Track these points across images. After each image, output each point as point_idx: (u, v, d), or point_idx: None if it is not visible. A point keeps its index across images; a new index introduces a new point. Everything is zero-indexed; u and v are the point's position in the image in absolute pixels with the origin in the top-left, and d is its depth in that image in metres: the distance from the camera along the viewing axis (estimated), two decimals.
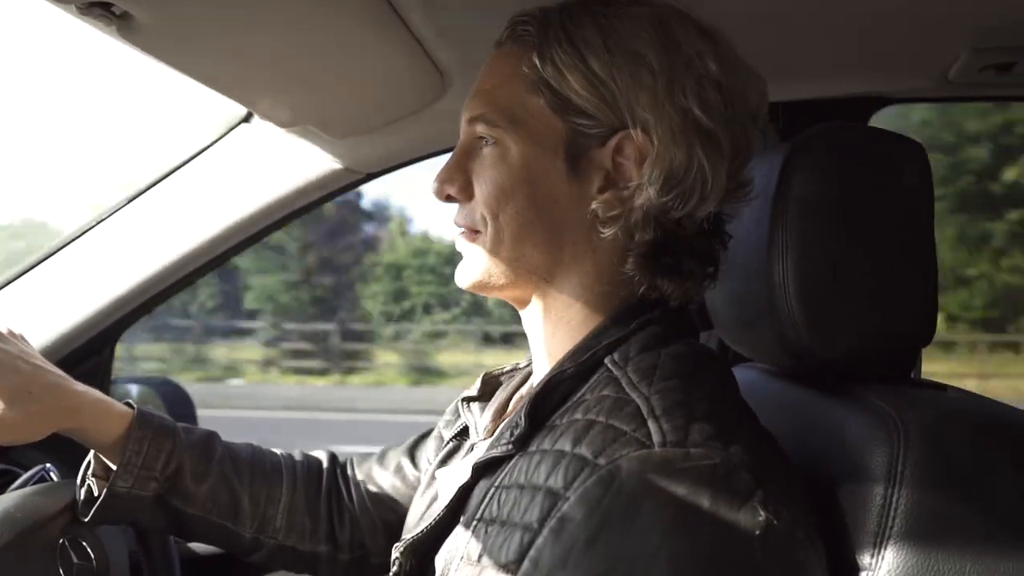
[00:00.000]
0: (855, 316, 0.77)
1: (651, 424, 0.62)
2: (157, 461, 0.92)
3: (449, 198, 0.80)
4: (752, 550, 0.58)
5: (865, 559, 0.65)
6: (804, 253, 0.77)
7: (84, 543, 0.98)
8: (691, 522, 0.58)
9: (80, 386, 0.92)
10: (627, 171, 0.73)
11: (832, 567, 0.65)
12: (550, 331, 0.79)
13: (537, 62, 0.74)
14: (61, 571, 0.92)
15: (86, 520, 0.93)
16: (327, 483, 1.06)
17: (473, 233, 0.79)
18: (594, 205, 0.73)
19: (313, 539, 1.02)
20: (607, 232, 0.73)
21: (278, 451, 1.07)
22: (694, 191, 0.71)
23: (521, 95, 0.75)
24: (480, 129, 0.77)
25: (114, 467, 0.91)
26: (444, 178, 0.79)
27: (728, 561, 0.58)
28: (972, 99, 1.30)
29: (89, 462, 0.95)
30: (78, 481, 0.96)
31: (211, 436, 1.00)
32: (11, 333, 0.93)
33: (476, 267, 0.79)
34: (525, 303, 0.81)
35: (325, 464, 1.08)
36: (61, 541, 0.95)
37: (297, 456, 1.08)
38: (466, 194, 0.78)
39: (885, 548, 0.64)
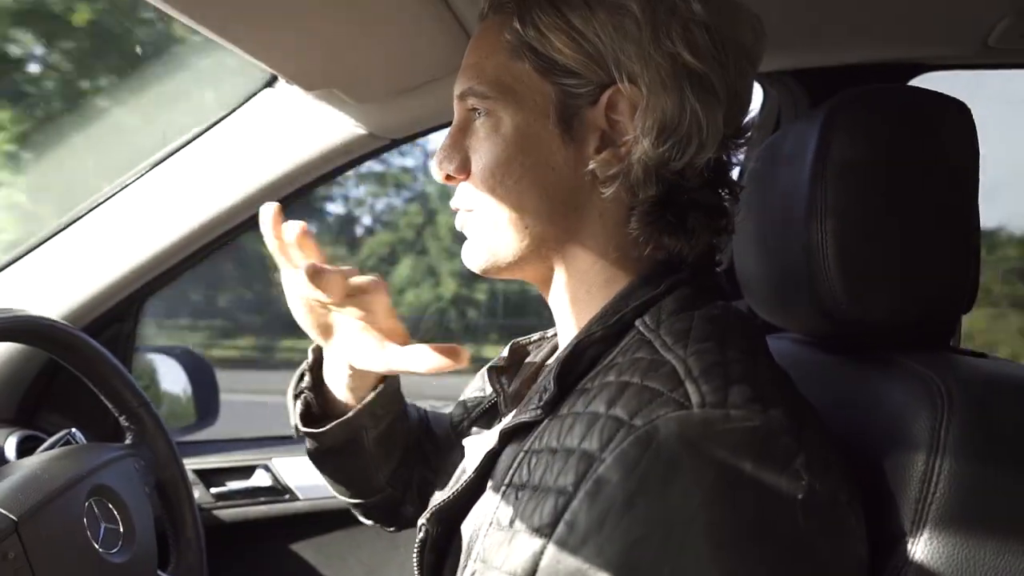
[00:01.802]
0: (895, 280, 0.75)
1: (689, 385, 0.61)
2: (379, 421, 0.89)
3: (449, 178, 0.78)
4: (794, 515, 0.57)
5: (906, 526, 0.63)
6: (844, 216, 0.75)
7: (110, 506, 0.99)
8: (731, 485, 0.57)
9: None
10: (622, 127, 0.71)
11: (872, 535, 0.63)
12: (570, 300, 0.77)
13: (518, 26, 0.72)
14: (88, 533, 0.93)
15: (298, 436, 0.90)
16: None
17: (470, 211, 0.77)
18: (592, 165, 0.72)
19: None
20: (608, 191, 0.72)
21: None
22: (691, 138, 0.70)
23: (506, 63, 0.74)
24: (471, 103, 0.76)
25: (343, 400, 0.88)
26: (442, 156, 0.78)
27: (769, 526, 0.57)
28: (1013, 66, 1.26)
29: (305, 375, 0.91)
30: (292, 389, 0.92)
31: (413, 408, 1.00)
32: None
33: (482, 246, 0.77)
34: (541, 278, 0.79)
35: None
36: (87, 503, 0.95)
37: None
38: (465, 171, 0.77)
39: (927, 516, 0.62)
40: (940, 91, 0.80)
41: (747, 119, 0.76)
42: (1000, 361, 0.76)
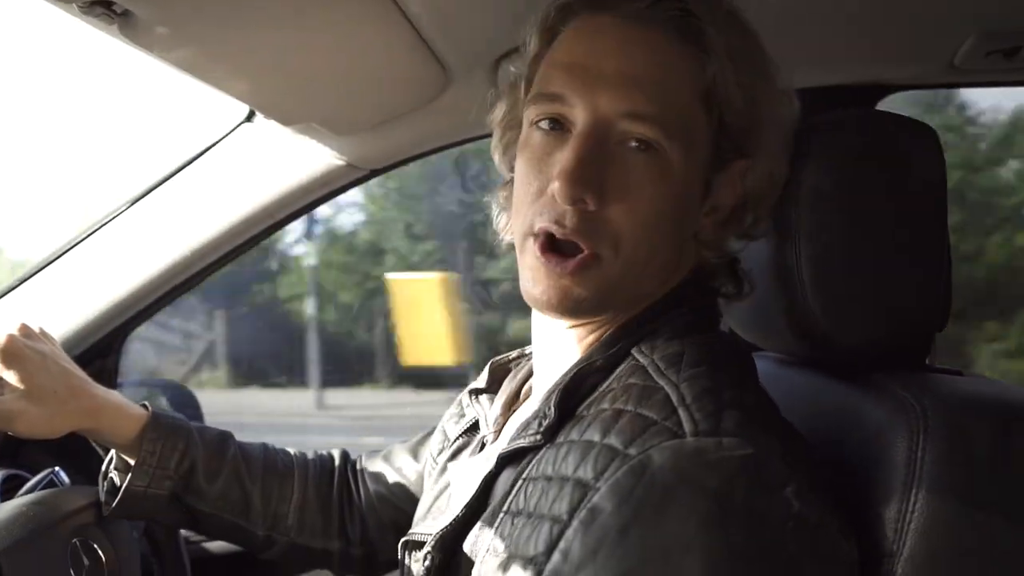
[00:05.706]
0: (869, 302, 0.77)
1: (682, 412, 0.61)
2: (171, 461, 0.93)
3: (578, 203, 0.66)
4: (785, 541, 0.58)
5: (886, 546, 0.64)
6: (817, 240, 0.76)
7: (95, 545, 0.98)
8: (725, 513, 0.57)
9: (100, 388, 0.94)
10: (731, 193, 0.73)
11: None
12: (584, 333, 0.75)
13: (715, 75, 0.67)
14: (72, 573, 0.92)
15: (106, 515, 0.94)
16: (338, 481, 1.07)
17: (592, 257, 0.67)
18: (704, 231, 0.73)
19: (325, 536, 1.03)
20: (708, 255, 0.74)
21: (291, 450, 1.08)
22: (764, 223, 0.75)
23: (691, 103, 0.67)
24: (641, 129, 0.65)
25: (132, 463, 0.92)
26: (585, 178, 0.64)
27: (762, 552, 0.57)
28: (978, 85, 1.29)
29: (111, 457, 0.97)
30: (101, 474, 0.98)
31: (224, 436, 1.02)
32: (42, 332, 0.94)
33: (592, 291, 0.68)
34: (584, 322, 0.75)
35: (337, 462, 1.09)
36: (72, 543, 0.94)
37: (310, 455, 1.09)
38: (601, 201, 0.66)
39: (906, 535, 0.63)
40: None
41: None
42: (974, 379, 0.77)
